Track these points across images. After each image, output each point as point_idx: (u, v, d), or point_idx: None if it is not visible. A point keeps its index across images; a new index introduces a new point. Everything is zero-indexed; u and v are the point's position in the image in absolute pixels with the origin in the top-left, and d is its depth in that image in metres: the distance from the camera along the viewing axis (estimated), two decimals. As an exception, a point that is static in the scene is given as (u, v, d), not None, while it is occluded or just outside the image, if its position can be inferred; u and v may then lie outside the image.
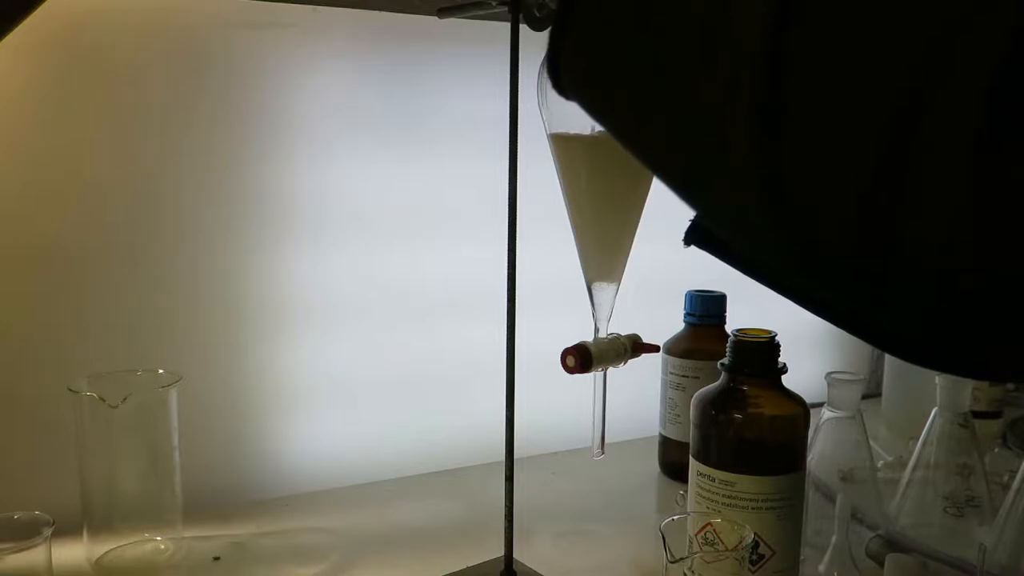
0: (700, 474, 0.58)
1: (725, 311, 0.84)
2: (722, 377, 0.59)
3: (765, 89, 0.25)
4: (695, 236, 0.40)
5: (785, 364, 0.58)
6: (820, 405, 0.67)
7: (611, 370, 0.57)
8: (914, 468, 0.72)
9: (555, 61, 0.34)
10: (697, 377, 0.81)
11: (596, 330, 0.57)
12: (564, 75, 0.34)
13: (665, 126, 0.30)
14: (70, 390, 0.62)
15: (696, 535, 0.51)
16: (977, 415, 0.76)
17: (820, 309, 0.39)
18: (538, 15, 0.54)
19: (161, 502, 0.66)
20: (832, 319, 0.40)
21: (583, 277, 0.57)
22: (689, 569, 0.46)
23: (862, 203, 0.24)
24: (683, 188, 0.32)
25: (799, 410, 0.58)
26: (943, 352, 0.32)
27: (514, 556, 0.61)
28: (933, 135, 0.22)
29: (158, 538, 0.67)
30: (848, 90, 0.24)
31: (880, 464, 0.82)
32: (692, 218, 0.40)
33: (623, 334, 0.57)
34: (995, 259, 0.23)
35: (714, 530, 0.50)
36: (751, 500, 0.55)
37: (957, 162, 0.22)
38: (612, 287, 0.56)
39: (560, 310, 0.76)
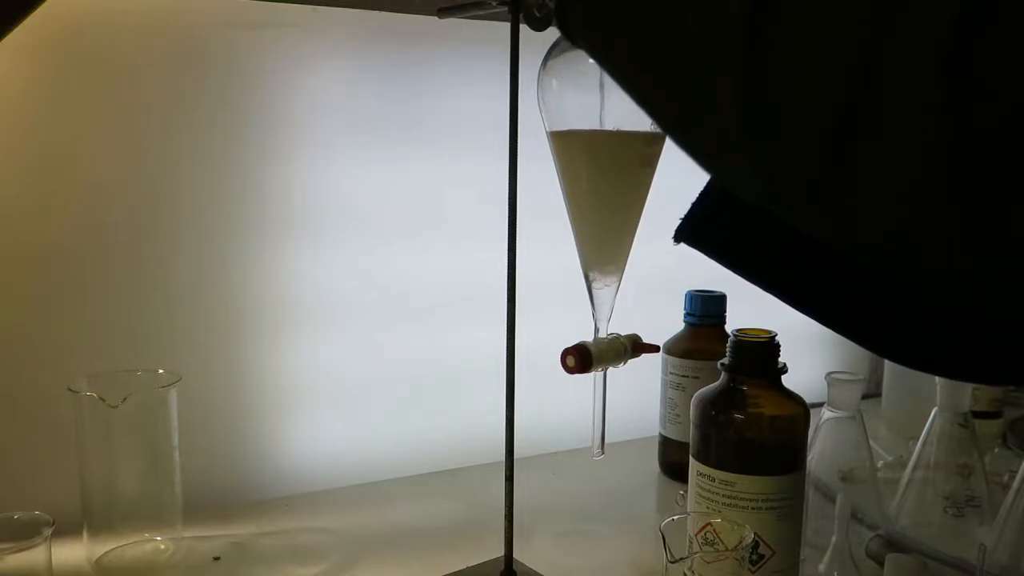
0: (700, 474, 0.58)
1: (725, 311, 0.84)
2: (722, 377, 0.59)
3: (749, 22, 0.26)
4: (683, 234, 0.40)
5: (785, 364, 0.58)
6: (820, 405, 0.67)
7: (611, 370, 0.57)
8: (914, 468, 0.72)
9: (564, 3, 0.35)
10: (697, 377, 0.81)
11: (596, 330, 0.57)
12: (571, 14, 0.35)
13: (660, 56, 0.31)
14: (70, 390, 0.62)
15: (696, 535, 0.51)
16: (977, 415, 0.76)
17: (816, 313, 0.39)
18: (538, 15, 0.54)
19: (161, 502, 0.66)
20: (829, 323, 0.40)
21: (583, 277, 0.57)
22: (689, 569, 0.46)
23: (834, 126, 0.25)
24: (672, 118, 0.32)
25: (799, 410, 0.58)
26: (941, 353, 0.32)
27: (514, 556, 0.61)
28: (898, 59, 0.23)
29: (158, 538, 0.67)
30: (820, 16, 0.25)
31: (880, 464, 0.82)
32: (681, 217, 0.40)
33: (623, 334, 0.57)
34: (966, 188, 0.23)
35: (714, 530, 0.50)
36: (751, 500, 0.55)
37: (923, 87, 0.23)
38: (612, 287, 0.57)
39: (560, 310, 0.76)
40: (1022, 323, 0.31)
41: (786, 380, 0.58)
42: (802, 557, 0.59)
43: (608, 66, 0.35)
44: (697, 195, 0.40)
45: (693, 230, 0.40)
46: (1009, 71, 0.21)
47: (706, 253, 0.40)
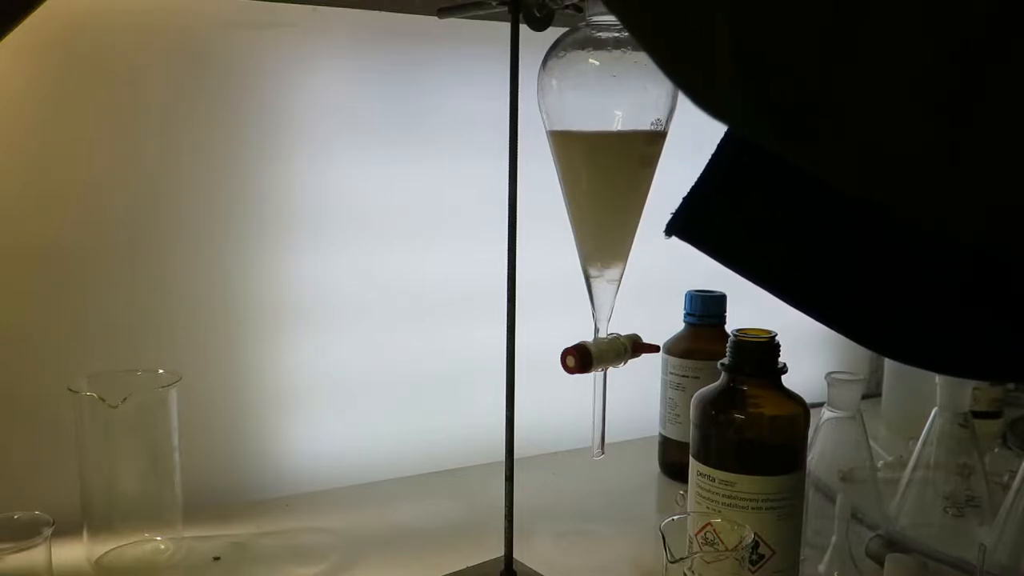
0: (700, 474, 0.58)
1: (725, 311, 0.84)
2: (722, 377, 0.59)
3: None
4: (675, 228, 0.40)
5: (785, 364, 0.58)
6: (820, 405, 0.67)
7: (611, 370, 0.57)
8: (914, 468, 0.72)
9: None
10: (697, 377, 0.81)
11: (596, 330, 0.57)
12: None
13: None
14: (70, 390, 0.62)
15: (696, 535, 0.51)
16: (977, 415, 0.76)
17: (816, 311, 0.39)
18: (538, 15, 0.54)
19: (161, 502, 0.66)
20: (827, 321, 0.40)
21: (583, 276, 0.57)
22: (689, 569, 0.46)
23: (822, 36, 0.24)
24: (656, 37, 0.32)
25: (799, 410, 0.58)
26: (942, 349, 0.32)
27: (514, 556, 0.61)
28: None
29: (158, 538, 0.67)
30: None
31: (880, 464, 0.82)
32: (673, 211, 0.40)
33: (623, 334, 0.57)
34: (953, 123, 0.22)
35: (714, 530, 0.50)
36: (751, 500, 0.55)
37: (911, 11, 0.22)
38: (612, 286, 0.57)
39: (560, 310, 0.76)
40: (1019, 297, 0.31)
41: (786, 380, 0.58)
42: (802, 557, 0.59)
43: None
44: (690, 188, 0.40)
45: (685, 223, 0.40)
46: None
47: (698, 247, 0.40)
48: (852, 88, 0.24)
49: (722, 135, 0.39)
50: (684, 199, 0.40)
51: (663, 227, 0.42)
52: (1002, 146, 0.22)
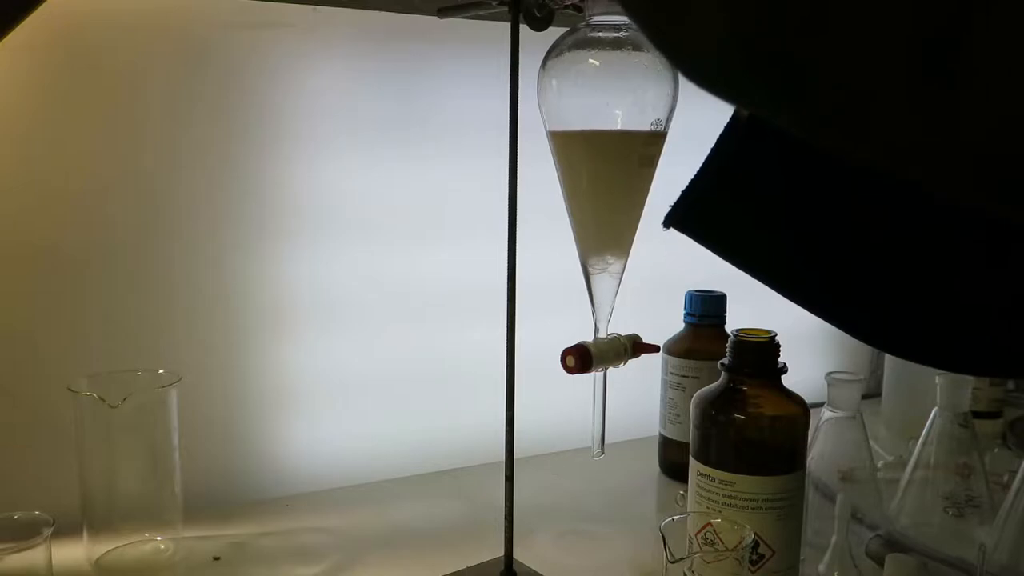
0: (700, 474, 0.58)
1: (725, 311, 0.84)
2: (722, 377, 0.59)
3: None
4: (673, 220, 0.40)
5: (785, 364, 0.58)
6: (820, 405, 0.67)
7: (611, 370, 0.57)
8: (914, 468, 0.72)
9: None
10: (697, 377, 0.81)
11: (596, 330, 0.57)
12: None
13: None
14: (70, 390, 0.62)
15: (696, 535, 0.51)
16: (977, 415, 0.76)
17: (815, 305, 0.39)
18: (538, 15, 0.54)
19: (161, 502, 0.66)
20: (831, 319, 0.40)
21: (583, 276, 0.57)
22: (689, 569, 0.46)
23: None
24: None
25: (799, 410, 0.58)
26: (942, 345, 0.32)
27: (514, 556, 0.61)
28: None
29: (158, 538, 0.67)
30: None
31: (880, 464, 0.82)
32: (672, 203, 0.40)
33: (623, 334, 0.57)
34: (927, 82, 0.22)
35: (714, 530, 0.50)
36: (751, 500, 0.55)
37: None
38: (612, 286, 0.57)
39: (560, 310, 0.76)
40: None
41: (786, 380, 0.58)
42: (802, 557, 0.59)
43: None
44: (689, 181, 0.40)
45: (684, 215, 0.39)
46: None
47: (696, 239, 0.40)
48: (844, 26, 0.24)
49: (722, 129, 0.39)
50: (683, 191, 0.40)
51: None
52: (988, 86, 0.22)
